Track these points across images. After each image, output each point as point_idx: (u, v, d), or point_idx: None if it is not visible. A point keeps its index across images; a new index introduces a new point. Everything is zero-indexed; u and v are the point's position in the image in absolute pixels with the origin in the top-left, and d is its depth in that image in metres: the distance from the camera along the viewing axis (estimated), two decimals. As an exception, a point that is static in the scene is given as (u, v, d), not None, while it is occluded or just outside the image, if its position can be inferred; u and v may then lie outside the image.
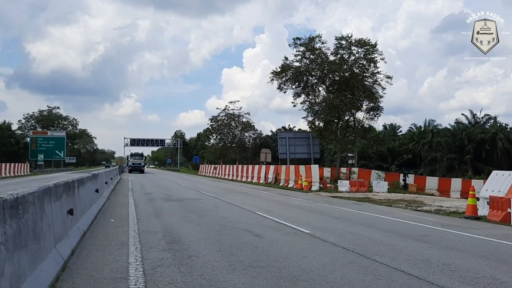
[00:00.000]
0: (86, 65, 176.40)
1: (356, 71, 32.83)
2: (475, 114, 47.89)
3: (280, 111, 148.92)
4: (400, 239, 7.75)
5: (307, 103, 34.61)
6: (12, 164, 40.43)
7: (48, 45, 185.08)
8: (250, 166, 36.98)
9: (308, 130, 38.87)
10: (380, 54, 32.37)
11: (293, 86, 34.66)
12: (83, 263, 5.26)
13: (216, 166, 51.14)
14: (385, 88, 33.25)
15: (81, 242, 6.43)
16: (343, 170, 33.70)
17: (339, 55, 32.83)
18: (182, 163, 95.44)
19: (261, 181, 31.27)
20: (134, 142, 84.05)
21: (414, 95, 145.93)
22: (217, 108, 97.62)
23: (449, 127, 49.20)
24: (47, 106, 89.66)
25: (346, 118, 34.57)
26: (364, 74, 32.99)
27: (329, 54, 33.18)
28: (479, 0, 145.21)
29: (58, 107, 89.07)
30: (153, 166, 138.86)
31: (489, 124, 45.99)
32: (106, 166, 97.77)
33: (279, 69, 34.23)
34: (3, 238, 3.16)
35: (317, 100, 34.33)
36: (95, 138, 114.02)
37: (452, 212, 12.82)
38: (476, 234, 8.58)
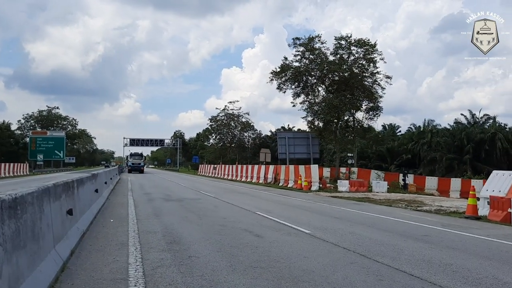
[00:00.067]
0: (86, 65, 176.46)
1: (356, 71, 32.77)
2: (474, 114, 47.91)
3: (279, 111, 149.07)
4: (401, 239, 7.72)
5: (307, 103, 34.57)
6: (12, 164, 40.35)
7: (48, 45, 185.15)
8: (250, 166, 36.93)
9: (307, 130, 38.83)
10: (380, 54, 32.35)
11: (293, 86, 34.60)
12: (82, 264, 5.22)
13: (215, 166, 51.09)
14: (384, 88, 33.24)
15: (81, 243, 6.39)
16: (343, 170, 33.67)
17: (338, 55, 32.77)
18: (181, 163, 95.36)
19: (260, 181, 31.23)
20: (134, 142, 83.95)
21: (413, 95, 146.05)
22: (216, 108, 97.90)
23: (448, 127, 49.18)
24: (47, 106, 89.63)
25: (345, 118, 34.52)
26: (364, 74, 32.94)
27: (328, 54, 33.14)
28: (478, 0, 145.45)
29: (57, 107, 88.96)
30: (153, 166, 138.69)
31: (488, 124, 45.96)
32: (105, 166, 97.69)
33: (278, 69, 34.17)
34: (1, 239, 3.12)
35: (317, 100, 34.27)
36: (95, 138, 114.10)
37: (452, 212, 12.79)
38: (477, 234, 8.55)
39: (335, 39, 32.64)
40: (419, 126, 52.39)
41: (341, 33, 34.14)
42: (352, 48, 32.36)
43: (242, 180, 35.04)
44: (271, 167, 31.51)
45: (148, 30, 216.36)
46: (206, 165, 58.48)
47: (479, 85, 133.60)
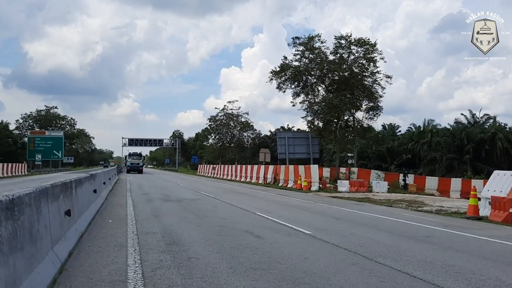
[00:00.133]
0: (84, 65, 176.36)
1: (356, 70, 32.70)
2: (474, 114, 47.87)
3: (279, 111, 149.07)
4: (402, 240, 7.66)
5: (306, 102, 34.49)
6: (10, 164, 40.25)
7: (46, 45, 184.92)
8: (249, 166, 36.87)
9: (307, 130, 38.76)
10: (380, 54, 32.29)
11: (292, 86, 34.51)
12: (80, 265, 5.15)
13: (214, 166, 51.01)
14: (384, 88, 33.18)
15: (79, 244, 6.31)
16: (343, 170, 33.61)
17: (338, 55, 32.70)
18: (180, 163, 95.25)
19: (260, 181, 31.16)
20: (132, 142, 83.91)
21: (412, 95, 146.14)
22: (215, 108, 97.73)
23: (448, 127, 49.15)
24: (45, 106, 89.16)
25: (345, 118, 34.45)
26: (364, 74, 32.87)
27: (328, 54, 33.08)
28: (478, 0, 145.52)
29: (56, 107, 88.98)
30: (151, 166, 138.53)
31: (488, 124, 45.92)
32: (104, 166, 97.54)
33: (278, 69, 34.09)
34: (-3, 241, 3.05)
35: (317, 100, 34.19)
36: (93, 138, 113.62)
37: (453, 213, 12.74)
38: (479, 235, 8.49)
39: (335, 38, 32.62)
40: (419, 126, 52.39)
41: (341, 33, 34.09)
42: (352, 47, 32.29)
43: (242, 180, 34.97)
44: (271, 167, 31.44)
45: (147, 29, 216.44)
46: (205, 165, 58.40)
47: (479, 85, 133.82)
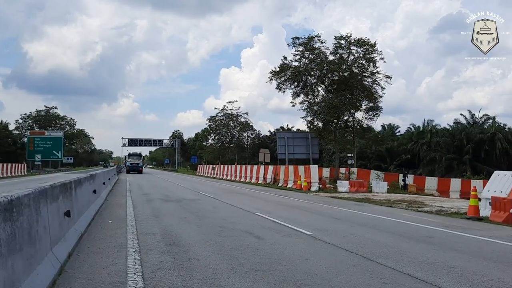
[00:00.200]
0: (84, 65, 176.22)
1: (356, 70, 32.65)
2: (474, 114, 47.86)
3: (278, 111, 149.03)
4: (403, 240, 7.63)
5: (306, 103, 34.42)
6: (9, 164, 40.20)
7: (46, 45, 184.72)
8: (249, 167, 36.83)
9: (306, 130, 38.72)
10: (380, 54, 32.24)
11: (292, 86, 34.43)
12: (80, 267, 5.12)
13: (214, 166, 50.96)
14: (384, 88, 33.14)
15: (78, 245, 6.28)
16: (342, 170, 33.57)
17: (338, 55, 32.64)
18: (180, 163, 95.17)
19: (259, 182, 31.12)
20: (132, 142, 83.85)
21: (412, 95, 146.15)
22: (215, 108, 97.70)
23: (447, 127, 49.14)
24: (45, 106, 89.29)
25: (345, 118, 34.41)
26: (363, 74, 32.84)
27: (328, 54, 33.02)
28: (477, 0, 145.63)
29: (55, 107, 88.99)
30: (151, 166, 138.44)
31: (487, 124, 45.90)
32: (104, 166, 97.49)
33: (278, 69, 34.04)
34: (-4, 243, 3.02)
35: (316, 100, 34.13)
36: (93, 138, 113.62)
37: (453, 213, 12.71)
38: (480, 235, 8.46)
39: (334, 38, 32.55)
40: (418, 126, 52.33)
41: (340, 33, 34.06)
42: (352, 47, 32.24)
43: (241, 180, 34.94)
44: (270, 168, 31.41)
45: (147, 29, 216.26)
46: (205, 165, 58.34)
47: (478, 85, 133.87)
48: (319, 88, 34.56)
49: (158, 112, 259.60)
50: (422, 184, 27.48)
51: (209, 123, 65.93)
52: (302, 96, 34.54)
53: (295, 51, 33.44)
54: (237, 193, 20.52)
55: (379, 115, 34.04)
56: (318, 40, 32.91)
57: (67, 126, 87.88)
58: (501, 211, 10.77)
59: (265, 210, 12.25)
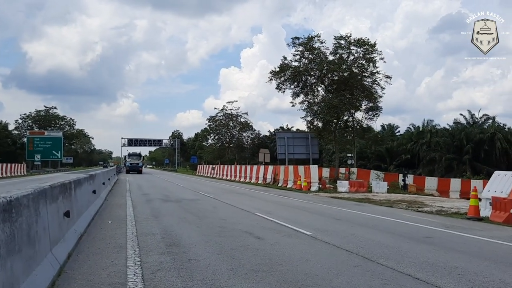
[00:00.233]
0: (83, 65, 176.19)
1: (355, 71, 32.63)
2: (474, 114, 47.85)
3: (278, 111, 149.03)
4: (404, 241, 7.61)
5: (306, 103, 34.42)
6: (9, 165, 40.16)
7: (45, 45, 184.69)
8: (248, 167, 36.80)
9: (306, 130, 38.70)
10: (379, 54, 32.22)
11: (292, 86, 34.41)
12: (79, 267, 5.09)
13: (214, 166, 50.93)
14: (384, 88, 33.12)
15: (78, 245, 6.25)
16: (342, 170, 33.54)
17: (338, 55, 32.63)
18: (179, 163, 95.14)
19: (259, 182, 31.10)
20: (132, 142, 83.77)
21: (411, 95, 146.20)
22: (215, 108, 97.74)
23: (447, 127, 49.13)
24: (44, 106, 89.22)
25: (345, 118, 34.39)
26: (363, 74, 32.82)
27: (328, 54, 33.01)
28: (477, 0, 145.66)
29: (55, 107, 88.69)
30: (150, 166, 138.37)
31: (487, 124, 45.90)
32: (104, 166, 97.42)
33: (277, 69, 34.02)
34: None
35: (316, 100, 34.12)
36: (92, 138, 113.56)
37: (454, 213, 12.69)
38: (481, 235, 8.44)
39: (334, 38, 32.53)
40: (418, 126, 52.31)
41: (340, 33, 34.01)
42: (352, 47, 32.22)
43: (241, 180, 34.91)
44: (270, 168, 31.39)
45: (146, 29, 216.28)
46: (205, 166, 58.31)
47: (478, 85, 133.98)
48: (319, 88, 34.58)
49: (158, 112, 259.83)
50: (422, 184, 27.47)
51: (209, 123, 65.89)
52: (302, 96, 34.57)
53: (295, 51, 33.48)
54: (237, 193, 20.49)
55: (379, 115, 34.09)
56: (318, 40, 32.93)
57: (67, 126, 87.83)
58: (501, 211, 10.75)
59: (265, 210, 12.23)
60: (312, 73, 33.67)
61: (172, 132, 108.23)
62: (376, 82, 32.96)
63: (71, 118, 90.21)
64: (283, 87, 34.43)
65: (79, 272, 4.89)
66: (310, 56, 33.08)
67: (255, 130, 66.70)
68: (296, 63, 33.50)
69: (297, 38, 33.34)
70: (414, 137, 47.75)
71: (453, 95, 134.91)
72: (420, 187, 26.41)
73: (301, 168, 25.26)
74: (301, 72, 33.36)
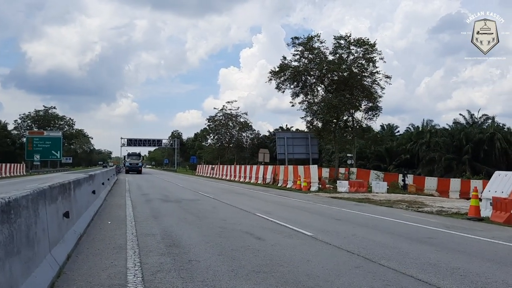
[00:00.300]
0: (83, 65, 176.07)
1: (355, 70, 32.59)
2: (473, 114, 47.86)
3: (277, 111, 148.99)
4: (405, 241, 7.58)
5: (306, 103, 34.38)
6: (8, 164, 40.15)
7: (45, 45, 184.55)
8: (248, 167, 36.76)
9: (306, 130, 38.66)
10: (379, 54, 32.19)
11: (292, 86, 34.37)
12: (79, 269, 5.05)
13: (213, 166, 50.88)
14: (384, 88, 33.09)
15: (77, 246, 6.21)
16: (342, 170, 33.51)
17: (337, 55, 32.59)
18: (179, 163, 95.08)
19: (259, 182, 31.06)
20: (131, 142, 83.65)
21: (411, 95, 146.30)
22: (214, 108, 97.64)
23: (447, 127, 49.14)
24: (43, 106, 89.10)
25: (344, 118, 34.36)
26: (363, 74, 32.78)
27: (327, 54, 32.97)
28: (477, 0, 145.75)
29: (54, 107, 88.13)
30: (150, 166, 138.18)
31: (487, 124, 45.92)
32: (103, 166, 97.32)
33: (277, 69, 33.98)
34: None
35: (316, 100, 34.08)
36: (92, 138, 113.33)
37: (454, 213, 12.66)
38: (482, 236, 8.41)
39: (334, 38, 32.47)
40: (417, 126, 52.30)
41: (340, 33, 33.85)
42: (352, 47, 32.18)
43: (241, 180, 34.87)
44: (270, 168, 31.35)
45: (146, 29, 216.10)
46: (204, 166, 58.26)
47: (477, 85, 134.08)
48: (319, 88, 34.54)
49: (157, 112, 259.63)
50: (421, 184, 27.47)
51: (208, 123, 65.82)
52: (301, 96, 34.54)
53: (295, 51, 33.43)
54: (237, 193, 20.46)
55: (378, 115, 34.07)
56: (318, 40, 32.87)
57: (66, 126, 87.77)
58: (502, 212, 10.72)
59: (265, 210, 12.20)
60: (311, 73, 33.63)
61: (172, 132, 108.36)
62: (376, 82, 32.96)
63: (70, 118, 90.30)
64: (283, 87, 34.41)
65: (78, 273, 4.85)
66: (309, 56, 33.04)
67: (254, 130, 66.73)
68: (295, 63, 33.49)
69: (296, 38, 33.33)
70: (414, 137, 47.74)
71: (452, 95, 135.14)
72: (420, 187, 26.40)
73: (300, 168, 25.22)
74: (301, 72, 33.32)
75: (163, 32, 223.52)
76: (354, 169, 33.27)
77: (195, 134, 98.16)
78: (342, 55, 32.55)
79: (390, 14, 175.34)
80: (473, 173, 37.51)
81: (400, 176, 27.91)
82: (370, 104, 33.39)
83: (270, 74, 34.29)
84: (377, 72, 32.59)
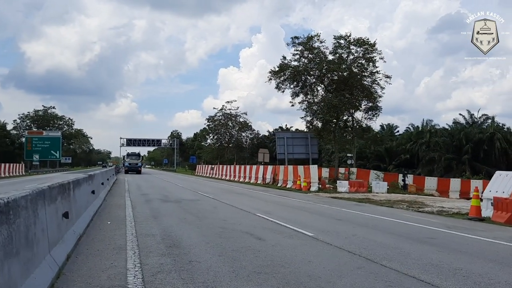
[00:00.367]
0: (82, 65, 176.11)
1: (355, 70, 32.55)
2: (473, 114, 47.83)
3: (277, 111, 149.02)
4: (406, 242, 7.53)
5: (306, 102, 34.33)
6: (7, 164, 40.04)
7: (44, 44, 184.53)
8: (248, 167, 36.71)
9: (305, 130, 38.61)
10: (379, 54, 32.14)
11: (291, 86, 34.31)
12: (79, 269, 5.01)
13: (213, 166, 50.82)
14: (384, 88, 33.04)
15: (77, 246, 6.17)
16: (342, 170, 33.48)
17: (337, 55, 32.53)
18: (178, 163, 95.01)
19: (258, 182, 31.01)
20: (130, 142, 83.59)
21: (410, 95, 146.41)
22: (214, 108, 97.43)
23: (446, 127, 49.12)
24: (43, 106, 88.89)
25: (344, 118, 34.31)
26: (363, 74, 32.73)
27: (327, 54, 32.93)
28: (476, 1, 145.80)
29: (53, 107, 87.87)
30: (149, 166, 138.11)
31: (486, 124, 45.90)
32: (103, 166, 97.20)
33: (277, 69, 33.92)
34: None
35: (316, 100, 34.03)
36: (91, 138, 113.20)
37: (455, 213, 12.62)
38: (483, 236, 8.38)
39: (334, 38, 32.42)
40: (417, 126, 52.28)
41: (340, 33, 33.79)
42: (352, 47, 32.13)
43: (240, 180, 34.83)
44: (270, 168, 31.30)
45: (145, 29, 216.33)
46: (204, 166, 58.21)
47: (477, 85, 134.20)
48: (319, 88, 34.48)
49: (157, 112, 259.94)
50: (421, 184, 27.44)
51: (208, 123, 65.70)
52: (301, 96, 34.47)
53: (295, 50, 33.38)
54: (237, 193, 20.41)
55: (378, 115, 34.01)
56: (318, 39, 32.80)
57: (65, 126, 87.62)
58: (503, 212, 10.69)
59: (265, 210, 12.15)
60: (311, 72, 33.58)
61: (171, 132, 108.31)
62: (375, 82, 32.90)
63: (69, 118, 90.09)
64: (283, 86, 34.35)
65: (78, 274, 4.81)
66: (309, 55, 32.99)
67: (254, 130, 66.61)
68: (295, 63, 33.43)
69: (296, 37, 33.27)
70: (413, 137, 47.72)
71: (452, 95, 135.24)
72: (420, 187, 26.36)
73: (300, 168, 25.18)
74: (301, 72, 33.26)
75: (162, 32, 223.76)
76: (354, 169, 33.24)
77: (194, 134, 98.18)
78: (342, 55, 32.50)
79: (389, 14, 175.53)
80: (473, 173, 37.49)
81: (400, 176, 27.88)
82: (370, 104, 33.35)
83: (270, 74, 34.25)
84: (377, 72, 32.57)
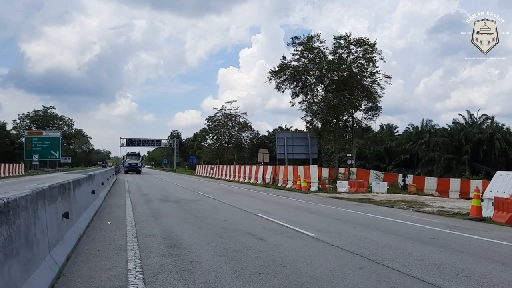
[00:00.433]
0: (82, 65, 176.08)
1: (355, 70, 32.51)
2: (472, 114, 47.82)
3: (277, 111, 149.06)
4: (408, 242, 7.51)
5: (305, 103, 34.29)
6: (7, 165, 40.00)
7: (44, 44, 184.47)
8: (248, 167, 36.68)
9: (305, 130, 38.58)
10: (379, 54, 32.11)
11: (291, 86, 34.28)
12: (79, 270, 4.97)
13: (213, 166, 50.78)
14: (384, 88, 33.02)
15: (77, 247, 6.14)
16: (342, 170, 33.46)
17: (337, 55, 32.50)
18: (178, 163, 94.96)
19: (258, 182, 30.98)
20: (130, 142, 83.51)
21: (410, 96, 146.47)
22: (213, 108, 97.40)
23: (446, 127, 49.11)
24: (42, 106, 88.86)
25: (344, 118, 34.28)
26: (363, 74, 32.70)
27: (327, 54, 32.90)
28: (475, 1, 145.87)
29: (53, 107, 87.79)
30: (149, 167, 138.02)
31: (486, 124, 45.89)
32: (103, 166, 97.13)
33: (277, 69, 33.88)
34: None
35: (316, 100, 34.01)
36: (91, 138, 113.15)
37: (455, 213, 12.59)
38: (485, 236, 8.35)
39: (334, 38, 32.37)
40: (417, 126, 52.25)
41: (339, 33, 33.78)
42: (351, 47, 32.10)
43: (240, 180, 34.80)
44: (270, 168, 31.27)
45: (145, 30, 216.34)
46: (203, 166, 58.16)
47: (476, 85, 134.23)
48: (319, 88, 34.45)
49: (156, 112, 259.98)
50: (421, 184, 27.42)
51: (208, 123, 65.67)
52: (301, 96, 34.43)
53: (294, 50, 33.34)
54: (237, 193, 20.38)
55: (378, 115, 33.97)
56: (318, 39, 32.77)
57: (65, 126, 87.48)
58: (504, 212, 10.66)
59: (265, 210, 12.12)
60: (311, 72, 33.55)
61: (171, 132, 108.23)
62: (375, 82, 32.87)
63: (69, 118, 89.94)
64: (283, 87, 34.30)
65: (78, 274, 4.77)
66: (309, 55, 32.95)
67: (254, 130, 66.60)
68: (295, 63, 33.39)
69: (296, 37, 33.23)
70: (413, 137, 47.71)
71: (451, 95, 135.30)
72: (420, 187, 26.35)
73: (300, 168, 25.15)
74: (301, 72, 33.22)
75: (162, 32, 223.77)
76: (354, 169, 33.22)
77: (194, 134, 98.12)
78: (342, 55, 32.46)
79: (388, 14, 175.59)
80: (473, 173, 37.48)
81: (400, 176, 27.86)
82: (370, 104, 33.32)
83: (269, 74, 34.21)
84: (377, 72, 32.54)
